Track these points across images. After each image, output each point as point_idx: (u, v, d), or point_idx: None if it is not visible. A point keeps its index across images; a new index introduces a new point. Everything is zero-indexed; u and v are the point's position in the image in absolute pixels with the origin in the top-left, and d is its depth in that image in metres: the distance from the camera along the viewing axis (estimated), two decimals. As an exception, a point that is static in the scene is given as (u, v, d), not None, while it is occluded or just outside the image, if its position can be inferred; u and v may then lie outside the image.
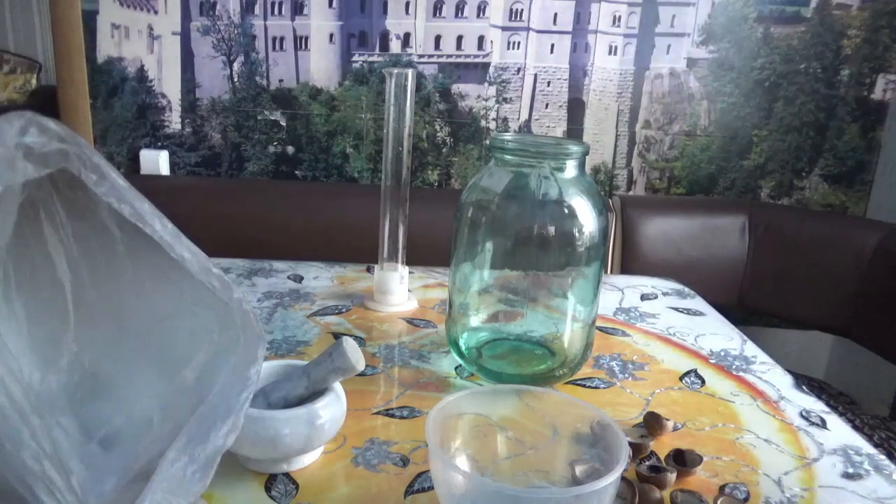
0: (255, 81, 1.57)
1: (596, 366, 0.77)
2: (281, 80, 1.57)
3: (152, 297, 0.47)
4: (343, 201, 1.48)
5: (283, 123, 1.60)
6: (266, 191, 1.52)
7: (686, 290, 1.06)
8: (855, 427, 0.77)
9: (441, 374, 0.74)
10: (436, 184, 1.65)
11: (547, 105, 1.61)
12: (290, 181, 1.63)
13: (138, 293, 0.47)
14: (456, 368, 0.75)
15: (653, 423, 0.64)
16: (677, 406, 0.70)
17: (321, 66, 1.57)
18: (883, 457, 0.62)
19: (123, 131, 1.58)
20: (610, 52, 1.59)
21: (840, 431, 0.66)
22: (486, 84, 1.60)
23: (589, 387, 0.73)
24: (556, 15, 1.56)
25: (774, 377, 0.77)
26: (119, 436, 0.47)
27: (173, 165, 1.61)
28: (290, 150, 1.62)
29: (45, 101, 1.50)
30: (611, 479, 0.44)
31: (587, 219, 0.67)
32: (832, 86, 1.63)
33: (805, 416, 0.69)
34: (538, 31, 1.57)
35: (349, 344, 0.54)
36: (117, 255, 0.45)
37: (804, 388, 0.75)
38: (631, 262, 1.47)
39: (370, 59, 1.57)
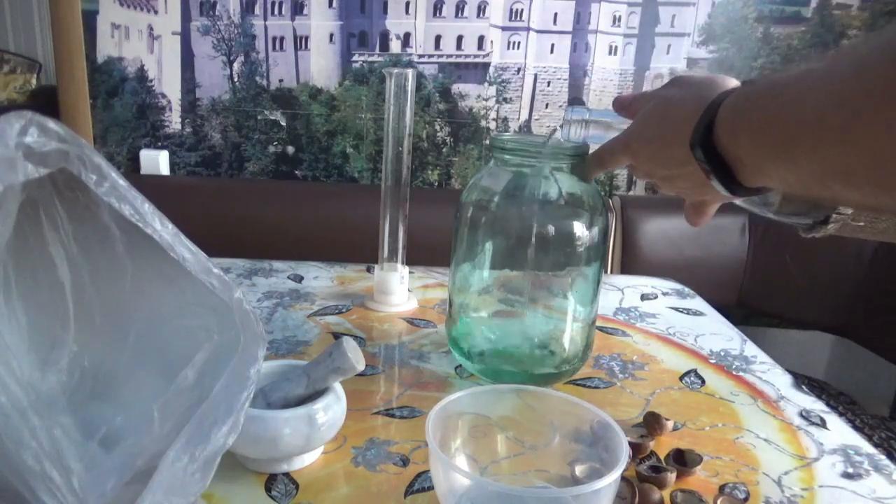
0: (255, 81, 1.57)
1: (596, 366, 0.77)
2: (281, 80, 1.57)
3: (152, 296, 0.47)
4: (343, 201, 1.48)
5: (283, 123, 1.60)
6: (266, 191, 1.52)
7: (686, 290, 1.06)
8: (855, 427, 0.77)
9: (441, 374, 0.74)
10: (436, 184, 1.65)
11: (547, 105, 1.61)
12: (290, 181, 1.63)
13: (138, 293, 0.47)
14: (456, 368, 0.75)
15: (653, 423, 0.64)
16: (677, 406, 0.70)
17: (321, 66, 1.57)
18: (883, 457, 0.62)
19: (123, 131, 1.58)
20: (610, 52, 1.59)
21: (840, 431, 0.66)
22: (486, 84, 1.60)
23: (589, 387, 0.73)
24: (556, 15, 1.56)
25: (774, 377, 0.77)
26: (119, 436, 0.46)
27: (173, 165, 1.61)
28: (290, 150, 1.62)
29: (45, 101, 1.50)
30: (611, 479, 0.44)
31: (587, 219, 0.67)
32: (832, 86, 1.62)
33: (805, 415, 0.69)
34: (538, 31, 1.57)
35: (349, 344, 0.54)
36: (117, 255, 0.44)
37: (804, 387, 0.75)
38: (631, 262, 1.47)
39: (370, 59, 1.57)
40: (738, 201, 0.58)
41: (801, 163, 0.39)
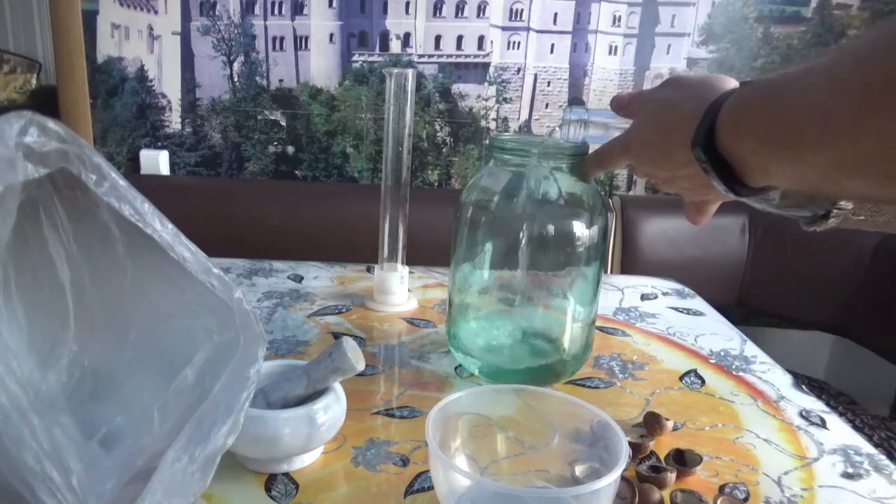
0: (255, 81, 1.57)
1: (596, 366, 0.77)
2: (281, 80, 1.57)
3: (152, 296, 0.47)
4: (343, 201, 1.48)
5: (283, 123, 1.60)
6: (266, 191, 1.52)
7: (686, 290, 1.06)
8: (855, 427, 0.77)
9: (441, 374, 0.74)
10: (436, 184, 1.65)
11: (547, 105, 1.61)
12: (290, 181, 1.63)
13: (138, 293, 0.47)
14: (456, 368, 0.75)
15: (653, 423, 0.64)
16: (677, 406, 0.70)
17: (321, 66, 1.57)
18: (883, 457, 0.62)
19: (123, 131, 1.58)
20: (610, 52, 1.59)
21: (840, 431, 0.66)
22: (486, 84, 1.60)
23: (589, 387, 0.73)
24: (556, 15, 1.56)
25: (774, 377, 0.77)
26: (119, 436, 0.47)
27: (173, 165, 1.61)
28: (290, 150, 1.62)
29: (45, 101, 1.50)
30: (611, 479, 0.44)
31: (587, 218, 0.67)
32: (832, 86, 1.62)
33: (805, 415, 0.69)
34: (538, 31, 1.57)
35: (349, 344, 0.54)
36: (117, 255, 0.45)
37: (804, 387, 0.75)
38: (631, 262, 1.47)
39: (370, 59, 1.57)
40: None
41: (807, 158, 0.39)
